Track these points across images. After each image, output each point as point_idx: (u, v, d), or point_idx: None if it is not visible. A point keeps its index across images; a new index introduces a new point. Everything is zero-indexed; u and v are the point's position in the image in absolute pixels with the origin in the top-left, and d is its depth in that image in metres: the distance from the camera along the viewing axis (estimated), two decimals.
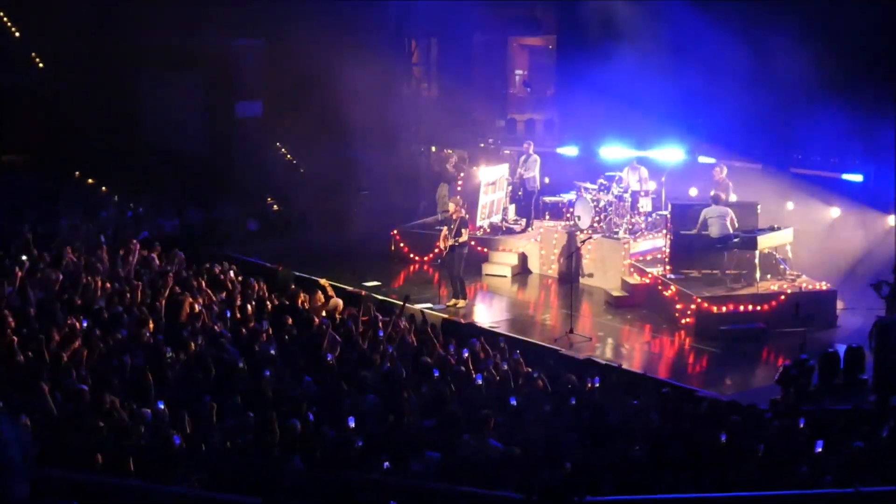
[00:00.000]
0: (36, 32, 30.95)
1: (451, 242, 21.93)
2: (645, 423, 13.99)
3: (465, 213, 22.88)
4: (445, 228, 22.38)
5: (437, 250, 23.31)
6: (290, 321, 17.64)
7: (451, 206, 22.62)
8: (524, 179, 25.67)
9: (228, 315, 17.99)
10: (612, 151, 25.82)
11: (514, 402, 14.26)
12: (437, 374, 15.37)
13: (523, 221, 25.84)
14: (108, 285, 18.71)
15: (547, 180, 26.36)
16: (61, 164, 29.89)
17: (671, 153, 24.85)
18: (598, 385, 15.76)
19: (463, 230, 22.03)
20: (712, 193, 22.13)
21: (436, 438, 12.70)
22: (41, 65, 31.61)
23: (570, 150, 26.75)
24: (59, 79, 30.33)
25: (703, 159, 24.45)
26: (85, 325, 16.02)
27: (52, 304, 17.02)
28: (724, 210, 21.53)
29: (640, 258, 23.24)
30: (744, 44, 23.86)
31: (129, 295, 18.09)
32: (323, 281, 20.55)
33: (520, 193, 26.12)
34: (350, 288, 21.97)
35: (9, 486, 4.82)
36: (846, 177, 23.18)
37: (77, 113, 29.54)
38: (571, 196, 25.35)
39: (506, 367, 16.30)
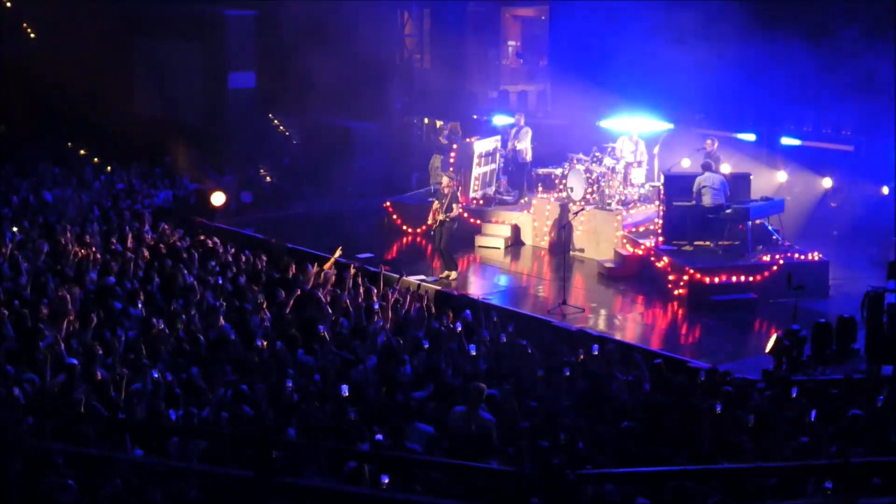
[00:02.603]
0: (28, 2, 30.86)
1: (441, 217, 21.90)
2: (638, 394, 14.03)
3: (458, 186, 22.84)
4: (436, 202, 22.34)
5: (428, 223, 23.28)
6: (282, 293, 17.63)
7: (445, 180, 22.57)
8: (516, 151, 25.61)
9: (221, 284, 17.98)
10: (606, 123, 25.71)
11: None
12: (429, 346, 15.39)
13: (516, 193, 25.80)
14: (100, 257, 18.67)
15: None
16: (54, 134, 29.82)
17: (662, 124, 24.77)
18: (596, 354, 15.79)
19: (454, 205, 22.01)
20: (704, 162, 22.13)
21: (429, 410, 12.73)
22: (33, 35, 31.50)
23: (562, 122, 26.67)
24: (51, 48, 30.23)
25: (696, 130, 24.37)
26: (77, 296, 16.03)
27: (43, 275, 16.98)
28: (718, 178, 21.53)
29: (633, 229, 23.24)
30: (738, 16, 23.85)
31: (121, 267, 18.05)
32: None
33: (510, 168, 26.06)
34: (344, 259, 21.95)
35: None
36: (839, 147, 23.17)
37: (70, 83, 29.47)
38: (564, 168, 25.28)
39: (504, 339, 16.35)
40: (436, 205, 22.24)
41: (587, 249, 23.43)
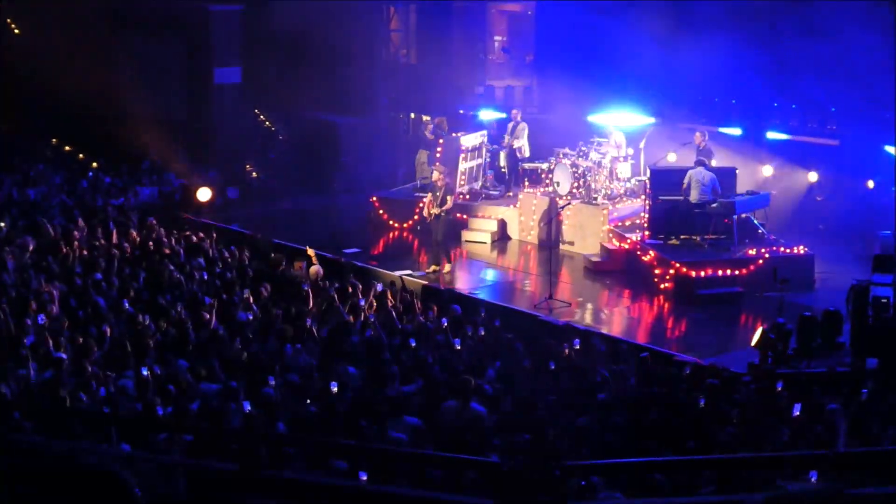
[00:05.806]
0: None
1: (435, 211, 21.89)
2: (624, 387, 14.06)
3: (449, 180, 22.86)
4: (430, 195, 22.30)
5: (419, 216, 23.25)
6: (269, 288, 17.64)
7: (436, 174, 22.56)
8: (513, 148, 25.57)
9: (208, 280, 17.98)
10: (592, 118, 25.70)
11: (492, 373, 14.32)
12: (415, 342, 15.40)
13: (502, 188, 25.80)
14: (86, 253, 18.65)
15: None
16: (39, 130, 29.75)
17: (647, 119, 24.79)
18: (577, 348, 15.81)
19: (448, 197, 22.01)
20: (698, 158, 22.16)
21: (416, 404, 12.74)
22: (17, 30, 31.41)
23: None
24: (35, 44, 30.13)
25: (681, 125, 24.40)
26: (62, 292, 16.02)
27: (28, 271, 16.95)
28: (709, 175, 21.56)
29: (619, 224, 23.28)
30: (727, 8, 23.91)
31: (107, 263, 18.03)
32: (309, 251, 20.48)
33: (502, 168, 26.00)
34: (330, 255, 21.96)
35: None
36: (822, 141, 23.24)
37: (54, 79, 29.40)
38: (550, 163, 25.28)
39: (482, 332, 16.38)
40: (429, 198, 22.20)
41: (574, 244, 23.46)
